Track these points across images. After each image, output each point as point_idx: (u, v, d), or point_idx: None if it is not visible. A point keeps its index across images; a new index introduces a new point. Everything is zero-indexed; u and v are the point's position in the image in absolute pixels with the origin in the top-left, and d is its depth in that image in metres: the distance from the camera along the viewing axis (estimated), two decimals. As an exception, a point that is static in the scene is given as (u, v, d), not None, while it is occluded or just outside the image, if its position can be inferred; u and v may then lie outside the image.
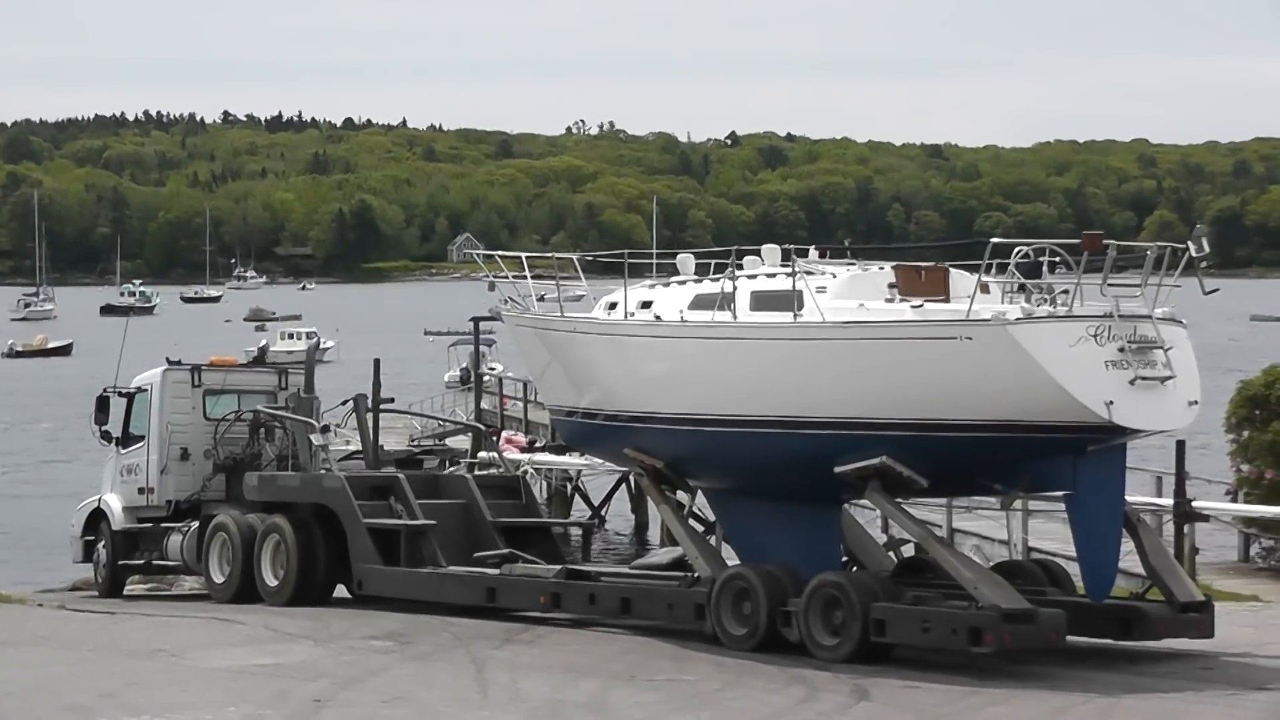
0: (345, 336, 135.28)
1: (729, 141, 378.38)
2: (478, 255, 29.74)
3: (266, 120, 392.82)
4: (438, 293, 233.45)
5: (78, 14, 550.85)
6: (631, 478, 47.22)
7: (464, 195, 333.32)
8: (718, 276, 26.64)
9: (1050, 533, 33.62)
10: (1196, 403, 23.62)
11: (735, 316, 25.33)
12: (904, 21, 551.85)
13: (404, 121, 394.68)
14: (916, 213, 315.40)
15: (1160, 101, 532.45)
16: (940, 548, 25.04)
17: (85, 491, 37.41)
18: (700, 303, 26.19)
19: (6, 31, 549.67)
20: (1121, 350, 22.77)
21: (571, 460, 44.11)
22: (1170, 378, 23.08)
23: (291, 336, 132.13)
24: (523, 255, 29.73)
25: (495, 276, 29.44)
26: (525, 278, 29.01)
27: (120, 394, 34.85)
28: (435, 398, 71.61)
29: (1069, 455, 23.09)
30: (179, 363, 35.01)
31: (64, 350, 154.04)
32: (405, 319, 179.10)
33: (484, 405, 59.16)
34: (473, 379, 39.99)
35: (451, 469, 35.11)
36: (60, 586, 37.36)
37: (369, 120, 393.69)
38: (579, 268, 29.33)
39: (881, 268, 25.41)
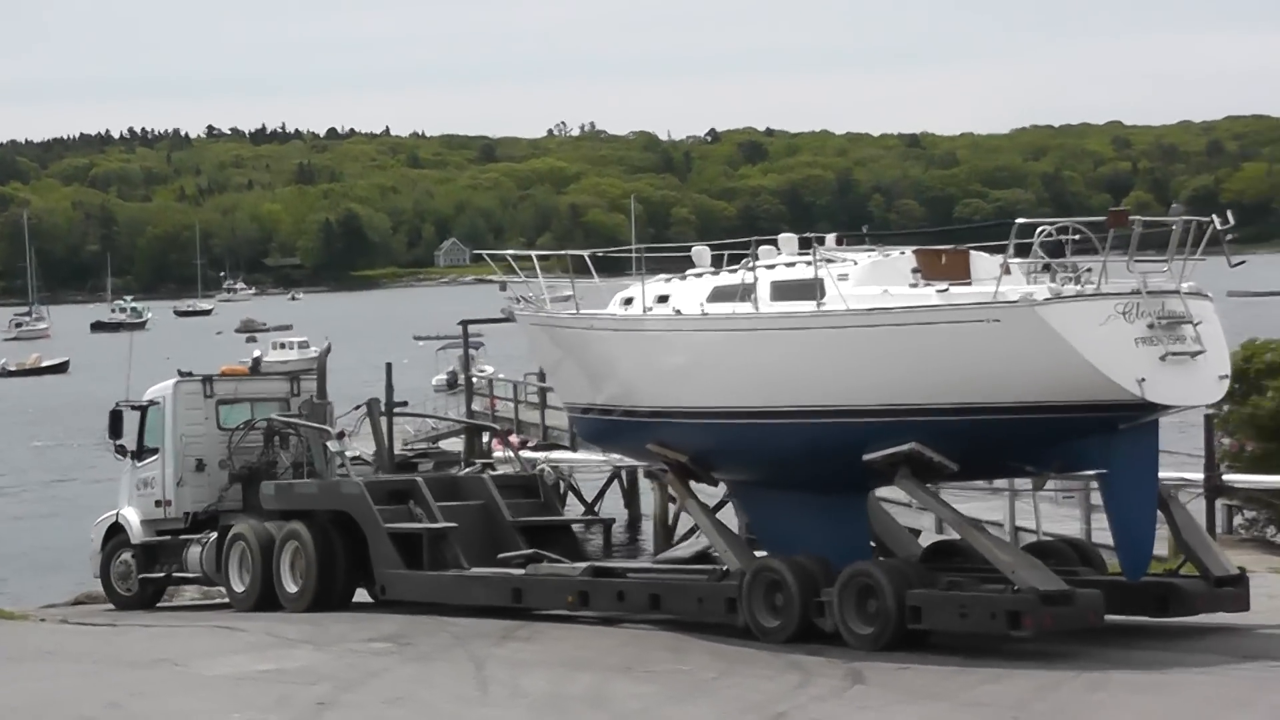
0: (335, 344, 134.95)
1: (709, 138, 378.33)
2: (487, 255, 28.81)
3: (251, 133, 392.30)
4: (426, 298, 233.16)
5: (58, 34, 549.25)
6: (623, 473, 47.10)
7: (449, 200, 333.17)
8: (735, 268, 26.02)
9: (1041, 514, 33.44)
10: (1227, 376, 23.29)
11: (757, 307, 24.72)
12: (876, 13, 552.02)
13: (387, 129, 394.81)
14: (897, 201, 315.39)
15: (1133, 83, 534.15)
16: (974, 531, 24.36)
17: (88, 508, 37.40)
18: (719, 294, 25.56)
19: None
20: (1151, 327, 22.31)
21: (576, 456, 43.70)
22: (1200, 352, 22.62)
23: (283, 346, 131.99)
24: (533, 254, 28.90)
25: (505, 278, 28.76)
26: (535, 278, 28.46)
27: (133, 408, 34.45)
28: (425, 402, 71.21)
29: (1101, 434, 22.60)
30: (190, 374, 34.60)
31: (60, 368, 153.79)
32: (394, 325, 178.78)
33: (475, 407, 59.06)
34: (461, 381, 39.56)
35: (467, 470, 34.82)
36: (62, 602, 37.31)
37: (352, 129, 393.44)
38: (591, 265, 28.50)
39: (902, 252, 24.84)
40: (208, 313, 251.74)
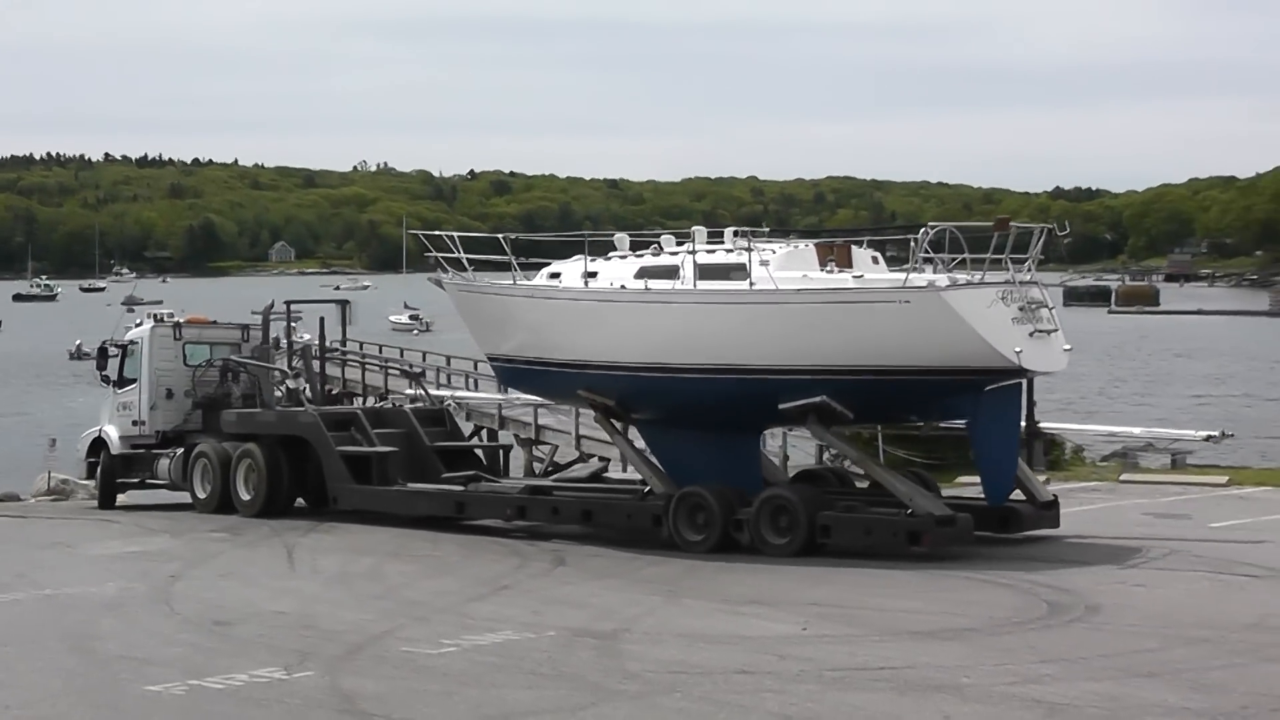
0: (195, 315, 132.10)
1: (470, 177, 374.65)
2: (422, 236, 25.24)
3: (136, 159, 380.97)
4: (261, 284, 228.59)
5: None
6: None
7: (280, 214, 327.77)
8: (658, 252, 23.50)
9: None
10: (1070, 349, 21.74)
11: (695, 284, 22.15)
12: (587, 94, 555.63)
13: (236, 160, 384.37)
14: (601, 227, 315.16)
15: (766, 151, 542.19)
16: (875, 466, 22.69)
17: (7, 433, 35.90)
18: (646, 273, 22.95)
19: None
20: (1021, 309, 20.67)
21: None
22: (1055, 330, 21.13)
23: (156, 316, 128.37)
24: (455, 234, 25.38)
25: (444, 256, 25.40)
26: (461, 254, 25.14)
27: (116, 346, 31.67)
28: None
29: (973, 393, 20.65)
30: (163, 320, 32.16)
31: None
32: (238, 303, 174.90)
33: (296, 364, 57.10)
34: (284, 345, 38.29)
35: (381, 403, 32.94)
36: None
37: (211, 160, 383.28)
38: (507, 246, 24.36)
39: (808, 245, 22.61)
40: (102, 290, 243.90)
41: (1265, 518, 24.63)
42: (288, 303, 33.39)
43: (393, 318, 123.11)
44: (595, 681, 13.64)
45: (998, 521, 21.91)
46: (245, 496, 28.30)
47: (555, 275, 24.39)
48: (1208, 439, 32.05)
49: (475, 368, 46.91)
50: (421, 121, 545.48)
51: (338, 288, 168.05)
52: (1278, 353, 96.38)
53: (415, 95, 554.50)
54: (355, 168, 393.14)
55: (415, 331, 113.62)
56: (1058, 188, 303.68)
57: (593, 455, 35.90)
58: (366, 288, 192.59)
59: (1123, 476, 30.74)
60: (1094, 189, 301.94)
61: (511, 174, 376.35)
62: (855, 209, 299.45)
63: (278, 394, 29.96)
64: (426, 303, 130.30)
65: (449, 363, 48.26)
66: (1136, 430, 34.13)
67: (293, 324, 33.93)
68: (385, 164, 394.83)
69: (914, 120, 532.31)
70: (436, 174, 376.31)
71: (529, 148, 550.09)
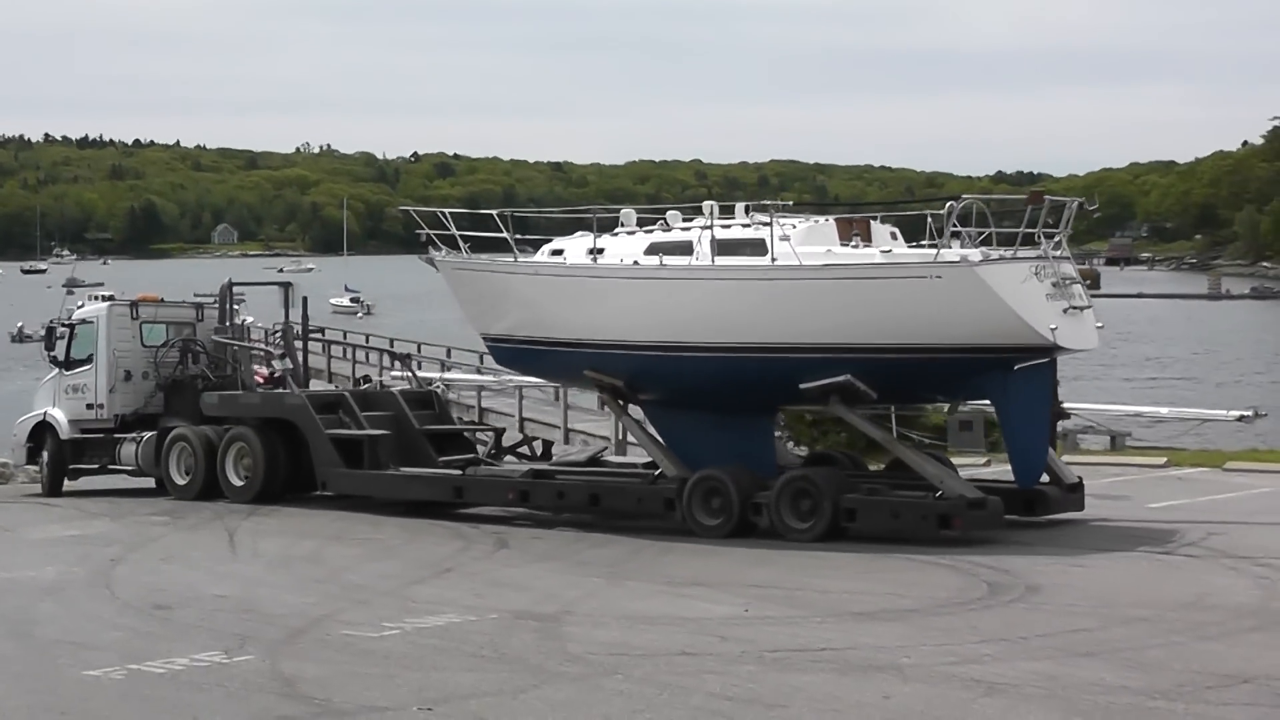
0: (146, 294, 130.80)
1: (413, 159, 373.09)
2: (414, 211, 24.15)
3: (77, 140, 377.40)
4: (204, 266, 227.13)
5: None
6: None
7: (223, 196, 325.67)
8: (666, 228, 22.55)
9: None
10: (1102, 326, 21.23)
11: (711, 260, 21.21)
12: (529, 78, 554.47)
13: (178, 142, 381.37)
14: (545, 209, 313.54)
15: (710, 134, 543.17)
16: (903, 447, 21.94)
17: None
18: (656, 249, 21.99)
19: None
20: (1055, 285, 20.06)
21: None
22: (1088, 307, 20.58)
23: (98, 298, 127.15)
24: (446, 211, 24.34)
25: (432, 231, 24.51)
26: (450, 231, 24.28)
27: (65, 326, 30.03)
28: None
29: (1002, 371, 19.87)
30: (119, 299, 30.87)
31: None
32: (180, 285, 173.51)
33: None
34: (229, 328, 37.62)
35: (366, 385, 31.98)
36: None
37: (153, 141, 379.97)
38: (507, 224, 23.46)
39: (828, 219, 21.78)
40: (43, 271, 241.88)
41: (1203, 498, 24.83)
42: (231, 284, 32.86)
43: (334, 300, 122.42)
44: (537, 664, 13.62)
45: (1024, 504, 21.32)
46: (237, 482, 27.09)
47: (558, 252, 23.49)
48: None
49: (419, 350, 46.83)
50: (364, 103, 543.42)
51: (281, 270, 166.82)
52: (1221, 335, 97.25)
53: (358, 77, 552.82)
54: (298, 149, 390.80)
55: (358, 315, 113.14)
56: (999, 171, 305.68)
57: (537, 437, 35.83)
58: (310, 270, 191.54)
59: (1063, 458, 30.83)
60: (1035, 173, 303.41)
61: (455, 156, 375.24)
62: (798, 192, 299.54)
63: (229, 371, 29.19)
64: (367, 285, 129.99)
65: (392, 345, 48.07)
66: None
67: (235, 305, 33.44)
68: (328, 146, 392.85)
69: (857, 104, 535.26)
70: (379, 156, 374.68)
71: (472, 130, 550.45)
